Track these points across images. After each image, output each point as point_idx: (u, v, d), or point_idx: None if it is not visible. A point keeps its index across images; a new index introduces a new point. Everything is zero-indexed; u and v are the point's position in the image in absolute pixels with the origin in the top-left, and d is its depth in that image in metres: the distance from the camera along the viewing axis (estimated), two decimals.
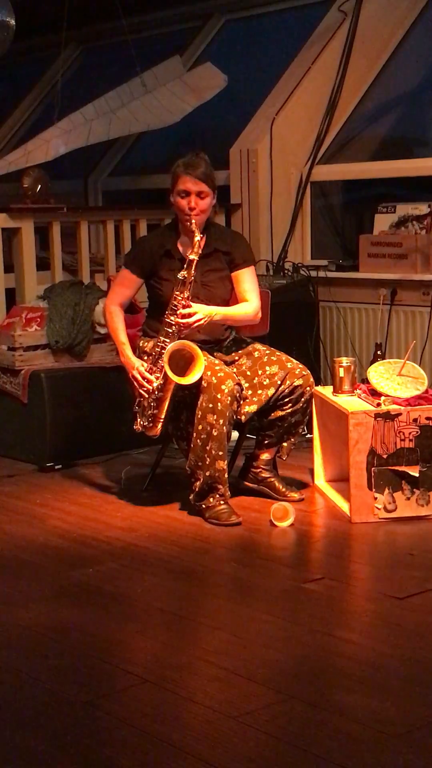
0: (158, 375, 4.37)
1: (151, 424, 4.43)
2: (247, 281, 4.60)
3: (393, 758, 2.52)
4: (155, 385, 4.37)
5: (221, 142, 6.89)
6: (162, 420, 4.40)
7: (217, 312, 4.47)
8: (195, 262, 4.38)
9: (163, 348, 4.37)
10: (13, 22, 6.48)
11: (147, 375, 4.39)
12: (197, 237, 4.37)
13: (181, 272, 4.38)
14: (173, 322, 4.39)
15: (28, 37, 7.90)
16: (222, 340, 4.64)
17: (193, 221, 4.39)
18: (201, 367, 4.29)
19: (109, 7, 7.18)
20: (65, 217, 6.28)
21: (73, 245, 6.35)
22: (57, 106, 7.13)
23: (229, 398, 4.30)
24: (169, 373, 4.27)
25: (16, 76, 9.41)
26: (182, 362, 4.34)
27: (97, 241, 7.02)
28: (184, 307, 4.37)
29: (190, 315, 4.37)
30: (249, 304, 4.58)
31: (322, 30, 6.83)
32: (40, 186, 6.47)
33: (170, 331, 4.40)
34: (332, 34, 6.74)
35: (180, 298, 4.38)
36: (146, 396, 4.41)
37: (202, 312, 4.40)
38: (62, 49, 7.70)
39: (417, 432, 4.31)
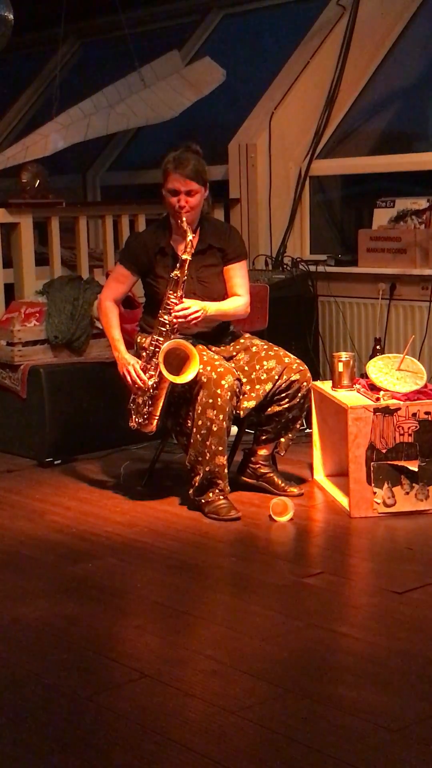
0: (152, 373, 4.38)
1: (146, 422, 4.43)
2: (238, 276, 4.60)
3: (391, 752, 2.52)
4: (150, 383, 4.38)
5: (220, 136, 6.88)
6: (157, 417, 4.41)
7: (211, 308, 4.47)
8: (188, 261, 4.37)
9: (157, 347, 4.37)
10: (11, 16, 6.47)
11: (141, 374, 4.39)
12: (189, 237, 4.36)
13: (174, 272, 4.38)
14: (167, 321, 4.39)
15: (27, 32, 7.89)
16: (220, 335, 4.63)
17: (184, 219, 4.39)
18: (196, 366, 4.29)
19: (108, 1, 7.17)
20: (64, 212, 6.27)
21: (71, 240, 6.35)
22: (55, 101, 7.12)
23: (229, 393, 4.30)
24: (164, 372, 4.27)
25: (15, 71, 9.39)
26: (177, 361, 4.34)
27: (96, 236, 7.01)
28: (177, 306, 4.38)
29: (185, 309, 4.37)
30: (240, 299, 4.59)
31: (321, 24, 6.82)
32: (38, 181, 6.46)
33: (164, 330, 4.40)
34: (331, 29, 6.73)
35: (173, 298, 4.38)
36: (139, 393, 4.41)
37: (197, 305, 4.40)
38: (60, 44, 7.70)
39: (416, 427, 4.31)
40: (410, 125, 6.65)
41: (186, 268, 4.38)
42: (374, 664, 2.99)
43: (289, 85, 6.69)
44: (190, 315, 4.37)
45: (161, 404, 4.39)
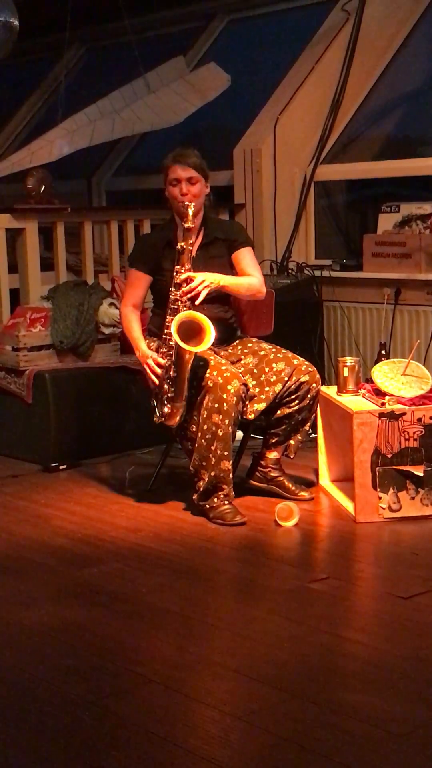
0: (170, 355, 4.35)
1: (170, 411, 4.37)
2: (246, 258, 4.63)
3: (398, 757, 2.52)
4: (167, 363, 4.35)
5: (225, 142, 6.89)
6: (183, 401, 4.35)
7: (224, 279, 4.47)
8: (192, 230, 4.39)
9: (169, 326, 4.35)
10: (16, 22, 6.48)
11: (159, 360, 4.38)
12: (191, 209, 4.37)
13: (179, 243, 4.40)
14: (178, 297, 4.39)
15: (32, 38, 7.90)
16: (227, 338, 4.64)
17: (187, 202, 4.42)
18: (210, 334, 4.26)
19: (113, 7, 7.19)
20: (69, 217, 6.28)
21: (77, 245, 6.35)
22: (61, 107, 7.14)
23: (235, 398, 4.30)
24: (179, 342, 4.23)
25: (20, 77, 9.41)
26: (191, 333, 4.31)
27: (101, 242, 7.02)
28: (186, 280, 4.38)
29: (192, 279, 4.37)
30: (254, 278, 4.61)
31: (326, 30, 6.83)
32: (44, 186, 6.47)
33: (175, 307, 4.39)
34: (336, 34, 6.74)
35: (183, 271, 4.39)
36: (160, 382, 4.37)
37: (207, 278, 4.40)
38: (66, 49, 7.72)
39: (421, 431, 4.31)
40: (415, 130, 6.66)
41: (191, 238, 4.39)
42: (380, 669, 2.99)
43: (294, 90, 6.70)
44: (197, 284, 4.36)
45: (185, 387, 4.35)
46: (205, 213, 4.59)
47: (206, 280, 4.39)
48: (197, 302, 4.37)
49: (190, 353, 4.28)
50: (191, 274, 4.39)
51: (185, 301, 4.38)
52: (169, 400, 4.38)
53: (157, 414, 4.43)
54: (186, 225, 4.39)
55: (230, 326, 4.68)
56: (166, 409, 4.40)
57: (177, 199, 4.47)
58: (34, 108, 9.16)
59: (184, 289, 4.37)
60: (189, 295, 4.37)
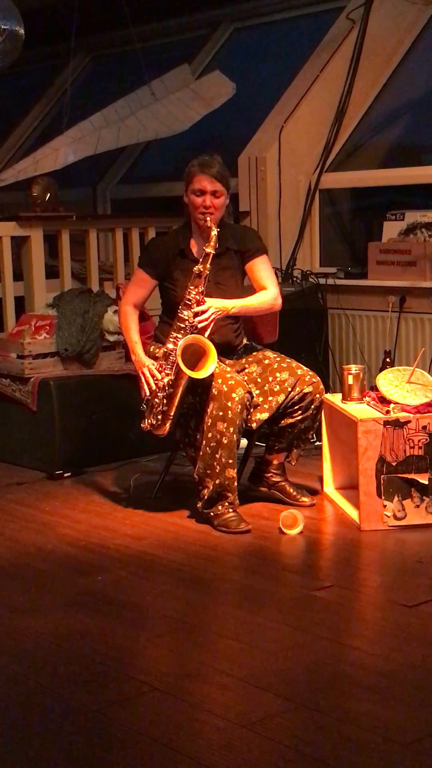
0: (168, 371, 4.37)
1: (159, 423, 4.41)
2: (261, 269, 4.60)
3: (401, 766, 2.51)
4: (166, 381, 4.36)
5: (230, 149, 6.88)
6: (171, 418, 4.38)
7: (234, 305, 4.47)
8: (211, 255, 4.38)
9: (174, 343, 4.36)
10: (22, 31, 6.49)
11: (155, 372, 4.38)
12: (214, 231, 4.37)
13: (197, 266, 4.39)
14: (186, 317, 4.39)
15: (37, 46, 7.92)
16: (234, 347, 4.64)
17: (209, 218, 4.41)
18: (213, 361, 4.28)
19: (118, 15, 7.20)
20: (74, 225, 6.29)
21: (82, 253, 6.36)
22: (66, 115, 7.15)
23: (239, 406, 4.30)
24: (182, 367, 4.25)
25: (25, 85, 9.44)
26: (194, 357, 4.33)
27: (106, 249, 7.03)
28: (198, 302, 4.37)
29: (203, 312, 4.37)
30: (267, 292, 4.58)
31: (331, 38, 6.84)
32: (49, 194, 6.48)
33: (183, 326, 4.39)
34: (341, 42, 6.75)
35: (194, 293, 4.38)
36: (154, 393, 4.39)
37: (214, 306, 4.40)
38: (71, 57, 7.72)
39: (426, 439, 4.30)
40: (420, 138, 6.66)
41: (209, 262, 4.38)
42: (384, 678, 2.98)
43: (299, 98, 6.70)
44: (207, 317, 4.37)
45: (176, 404, 4.37)
46: (221, 221, 4.57)
47: (217, 310, 4.39)
48: (205, 335, 4.37)
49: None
50: (203, 307, 4.38)
51: (194, 323, 4.38)
52: (159, 413, 4.39)
53: (146, 422, 4.44)
54: (207, 250, 4.37)
55: (237, 337, 4.67)
56: (154, 421, 4.41)
57: (198, 209, 4.45)
58: (40, 116, 9.18)
59: (194, 311, 4.37)
60: (199, 325, 4.37)
